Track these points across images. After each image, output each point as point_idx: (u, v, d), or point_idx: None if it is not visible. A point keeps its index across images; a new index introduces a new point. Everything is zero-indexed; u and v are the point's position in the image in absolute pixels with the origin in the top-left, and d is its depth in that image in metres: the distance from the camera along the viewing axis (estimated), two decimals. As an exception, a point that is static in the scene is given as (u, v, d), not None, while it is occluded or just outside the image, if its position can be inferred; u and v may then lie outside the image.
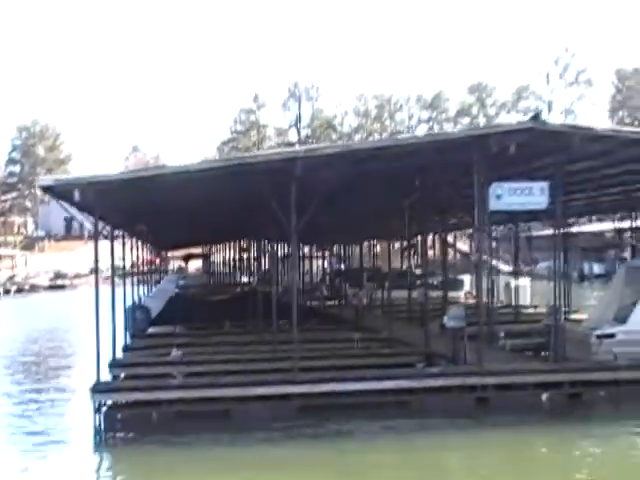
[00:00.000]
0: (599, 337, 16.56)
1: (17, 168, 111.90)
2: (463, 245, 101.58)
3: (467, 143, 15.10)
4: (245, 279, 62.72)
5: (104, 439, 13.69)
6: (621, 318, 17.13)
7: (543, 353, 17.78)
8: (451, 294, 31.73)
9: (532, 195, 15.56)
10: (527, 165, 16.29)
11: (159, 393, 14.00)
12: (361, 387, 14.77)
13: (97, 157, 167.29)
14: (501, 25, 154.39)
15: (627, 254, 77.07)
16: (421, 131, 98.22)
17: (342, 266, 52.84)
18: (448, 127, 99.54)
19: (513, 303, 31.45)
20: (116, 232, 26.56)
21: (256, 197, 15.26)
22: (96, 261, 16.14)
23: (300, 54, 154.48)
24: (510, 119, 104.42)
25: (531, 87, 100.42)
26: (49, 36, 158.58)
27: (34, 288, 66.88)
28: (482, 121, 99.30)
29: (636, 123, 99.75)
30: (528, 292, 32.96)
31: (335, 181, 15.79)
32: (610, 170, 18.76)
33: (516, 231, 34.98)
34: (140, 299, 27.96)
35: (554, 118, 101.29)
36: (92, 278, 43.00)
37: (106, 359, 16.03)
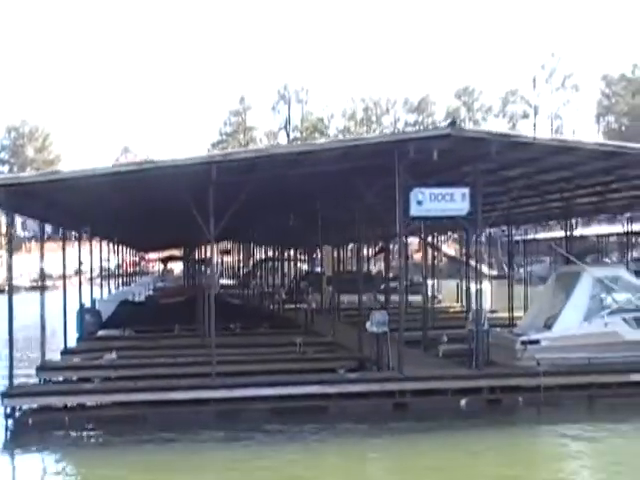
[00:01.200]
0: (524, 343, 16.59)
1: (6, 168, 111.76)
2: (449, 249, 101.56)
3: (389, 149, 15.14)
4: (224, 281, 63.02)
5: (12, 444, 13.69)
6: (548, 324, 17.19)
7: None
8: (413, 298, 31.89)
9: (453, 201, 15.58)
10: (454, 171, 16.30)
11: (70, 398, 13.99)
12: (277, 392, 14.76)
13: (87, 158, 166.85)
14: (489, 29, 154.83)
15: (607, 259, 77.53)
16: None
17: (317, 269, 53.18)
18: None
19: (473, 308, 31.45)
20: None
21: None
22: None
23: (290, 56, 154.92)
24: (497, 124, 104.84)
25: (519, 91, 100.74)
26: (39, 36, 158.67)
27: (16, 289, 66.50)
28: (469, 125, 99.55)
29: (623, 129, 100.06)
30: (488, 296, 32.95)
31: (259, 185, 15.82)
32: (547, 177, 18.84)
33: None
34: (94, 302, 27.91)
35: (540, 123, 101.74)
36: (76, 279, 43.07)
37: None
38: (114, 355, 18.33)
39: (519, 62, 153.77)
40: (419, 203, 15.50)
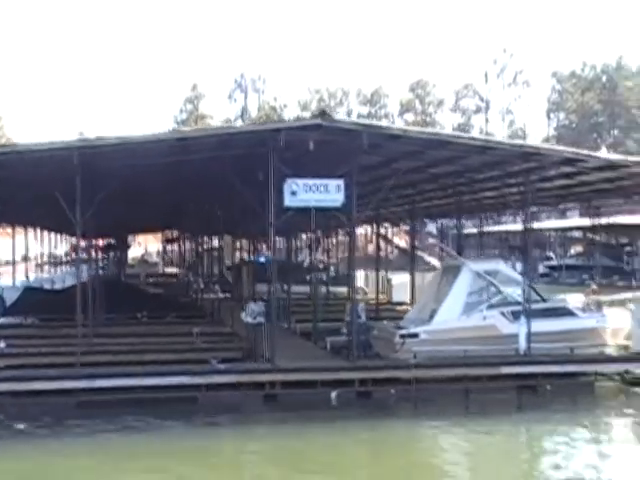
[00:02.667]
0: (402, 336, 16.62)
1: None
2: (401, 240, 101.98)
3: (263, 138, 14.98)
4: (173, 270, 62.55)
5: None
6: (428, 318, 17.24)
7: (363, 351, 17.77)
8: (342, 290, 31.94)
9: (328, 192, 15.50)
10: (330, 162, 16.17)
11: None
12: (141, 383, 14.54)
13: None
14: (444, 23, 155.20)
15: (551, 253, 78.57)
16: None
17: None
18: (386, 123, 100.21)
19: (393, 300, 31.75)
20: None
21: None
22: None
23: (248, 45, 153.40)
24: (450, 118, 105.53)
25: (472, 86, 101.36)
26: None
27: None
28: (421, 118, 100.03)
29: (573, 126, 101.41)
30: (408, 288, 33.08)
31: (146, 172, 15.57)
32: (435, 170, 18.87)
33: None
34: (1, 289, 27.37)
35: (492, 118, 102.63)
36: (23, 265, 41.83)
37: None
38: (2, 344, 17.99)
39: (473, 57, 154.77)
40: (293, 194, 15.40)
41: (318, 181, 15.45)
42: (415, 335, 16.64)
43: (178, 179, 20.76)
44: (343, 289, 31.80)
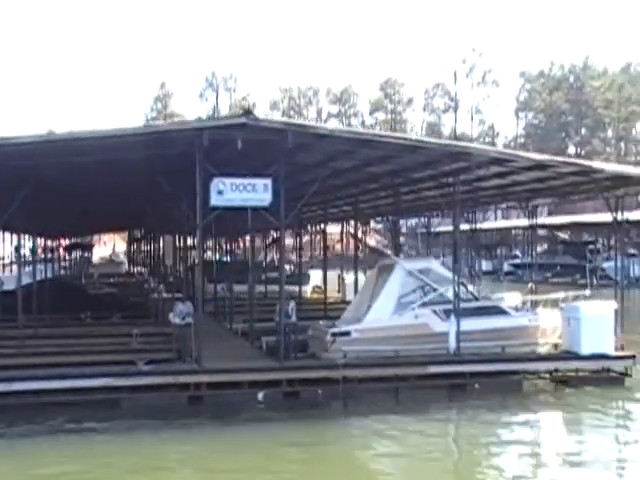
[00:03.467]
0: (333, 335, 16.56)
1: None
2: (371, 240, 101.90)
3: (190, 137, 14.82)
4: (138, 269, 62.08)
5: None
6: (362, 316, 17.20)
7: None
8: (296, 288, 31.84)
9: (255, 192, 15.38)
10: (260, 161, 16.06)
11: None
12: (62, 385, 14.33)
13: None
14: (414, 21, 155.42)
15: (518, 252, 79.22)
16: (331, 125, 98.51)
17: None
18: (356, 122, 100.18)
19: (347, 298, 31.65)
20: None
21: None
22: None
23: (220, 43, 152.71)
24: (420, 117, 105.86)
25: (441, 85, 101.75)
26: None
27: None
28: (390, 117, 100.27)
29: (542, 125, 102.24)
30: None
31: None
32: (374, 169, 18.83)
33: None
34: None
35: (461, 117, 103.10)
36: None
37: None
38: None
39: (442, 56, 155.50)
40: (220, 193, 15.25)
41: (245, 180, 15.32)
42: (346, 334, 16.59)
43: (120, 178, 20.59)
44: (297, 288, 31.81)
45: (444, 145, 15.40)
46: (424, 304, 16.95)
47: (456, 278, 16.67)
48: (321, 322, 18.23)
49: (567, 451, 12.80)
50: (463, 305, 16.83)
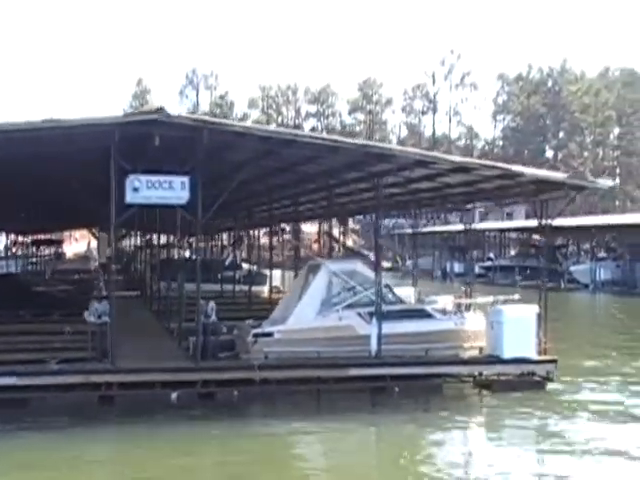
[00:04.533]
0: (255, 336, 16.36)
1: None
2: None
3: (106, 132, 14.58)
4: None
5: None
6: (286, 317, 17.00)
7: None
8: (256, 288, 31.66)
9: (172, 189, 15.16)
10: (178, 159, 15.80)
11: None
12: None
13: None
14: (394, 23, 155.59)
15: (492, 254, 79.39)
16: (308, 125, 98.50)
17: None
18: (335, 122, 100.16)
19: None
20: None
21: None
22: None
23: (201, 41, 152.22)
24: (398, 118, 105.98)
25: (420, 87, 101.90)
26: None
27: None
28: (368, 117, 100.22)
29: (519, 128, 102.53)
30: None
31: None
32: (305, 169, 18.66)
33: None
34: None
35: (440, 118, 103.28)
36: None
37: None
38: None
39: (422, 57, 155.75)
40: (135, 190, 15.02)
41: (162, 178, 15.09)
42: (269, 335, 16.40)
43: (59, 174, 20.32)
44: (256, 288, 31.63)
45: (362, 146, 15.21)
46: (349, 306, 16.76)
47: (380, 280, 16.49)
48: (248, 322, 17.99)
49: (483, 455, 12.74)
50: (388, 308, 16.69)
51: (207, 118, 15.08)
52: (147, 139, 14.54)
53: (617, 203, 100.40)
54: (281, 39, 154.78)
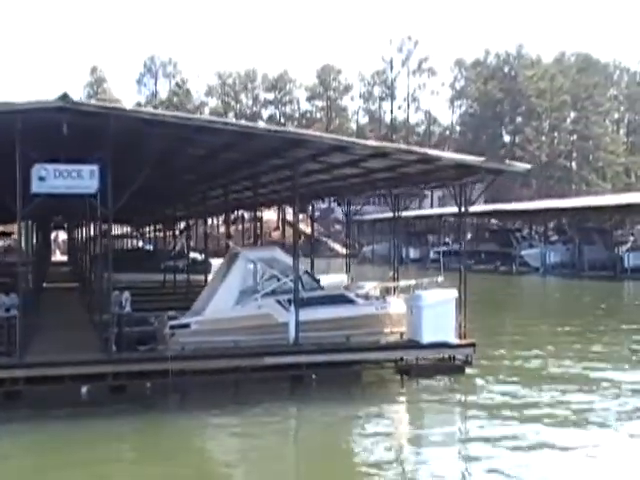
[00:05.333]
0: (172, 327, 16.09)
1: None
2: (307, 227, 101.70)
3: (9, 120, 14.14)
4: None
5: None
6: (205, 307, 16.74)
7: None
8: (199, 277, 31.24)
9: (81, 178, 14.75)
10: (89, 147, 15.40)
11: None
12: None
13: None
14: (351, 8, 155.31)
15: (449, 239, 79.96)
16: (267, 113, 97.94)
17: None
18: (292, 109, 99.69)
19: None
20: None
21: None
22: None
23: (159, 29, 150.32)
24: (356, 104, 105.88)
25: (379, 73, 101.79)
26: None
27: None
28: (326, 104, 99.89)
29: (476, 115, 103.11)
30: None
31: None
32: (227, 156, 18.36)
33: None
34: None
35: (398, 104, 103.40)
36: None
37: None
38: None
39: (380, 43, 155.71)
40: (41, 179, 14.58)
41: (70, 167, 14.66)
42: (186, 326, 16.14)
43: None
44: (198, 277, 31.24)
45: (275, 131, 14.96)
46: (268, 294, 16.56)
47: (297, 266, 16.32)
48: (170, 313, 17.69)
49: (402, 443, 12.67)
50: (307, 294, 16.53)
51: (113, 105, 14.72)
52: (55, 127, 14.12)
53: (573, 187, 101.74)
54: (239, 26, 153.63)
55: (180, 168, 21.18)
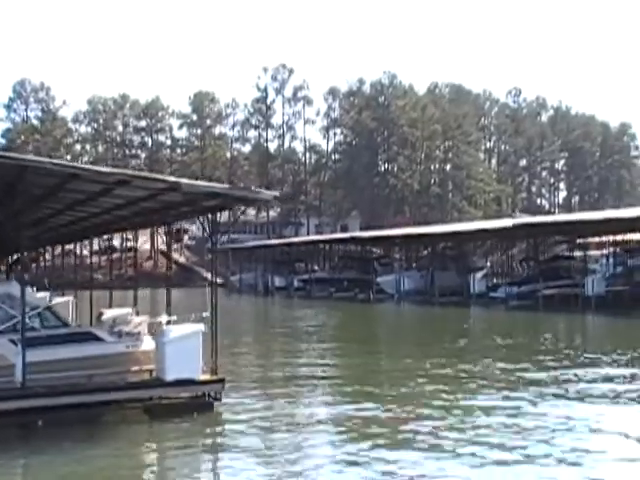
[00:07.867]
0: None
1: None
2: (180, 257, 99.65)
3: None
4: None
5: None
6: None
7: None
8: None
9: None
10: None
11: None
12: None
13: None
14: (225, 35, 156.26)
15: (316, 267, 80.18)
16: (136, 140, 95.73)
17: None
18: (162, 138, 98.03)
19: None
20: None
21: None
22: None
23: (30, 52, 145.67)
24: (230, 132, 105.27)
25: (255, 101, 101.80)
26: None
27: None
28: (200, 132, 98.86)
29: (354, 143, 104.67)
30: (70, 309, 31.17)
31: None
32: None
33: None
34: None
35: (274, 133, 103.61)
36: None
37: None
38: None
39: (255, 71, 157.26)
40: None
41: None
42: None
43: None
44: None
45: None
46: (1, 332, 15.35)
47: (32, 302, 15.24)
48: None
49: None
50: (48, 332, 15.45)
51: None
52: None
53: (447, 215, 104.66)
54: (112, 50, 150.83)
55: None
